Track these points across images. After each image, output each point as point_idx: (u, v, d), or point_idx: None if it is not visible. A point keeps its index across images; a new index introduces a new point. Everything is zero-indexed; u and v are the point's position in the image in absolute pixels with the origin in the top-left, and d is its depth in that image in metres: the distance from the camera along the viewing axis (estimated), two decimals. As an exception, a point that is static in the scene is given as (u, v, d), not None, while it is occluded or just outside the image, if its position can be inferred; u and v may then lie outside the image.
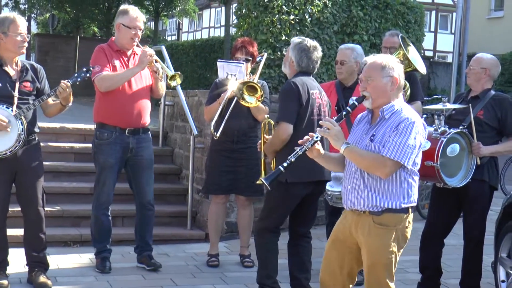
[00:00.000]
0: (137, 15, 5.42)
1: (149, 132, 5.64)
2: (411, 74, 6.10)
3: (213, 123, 5.55)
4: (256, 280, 4.86)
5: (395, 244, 3.62)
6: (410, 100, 6.12)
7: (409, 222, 3.66)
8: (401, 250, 3.69)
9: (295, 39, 4.84)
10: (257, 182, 4.28)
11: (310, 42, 4.77)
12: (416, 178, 3.69)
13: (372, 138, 3.62)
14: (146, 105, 5.49)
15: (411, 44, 5.91)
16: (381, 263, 3.62)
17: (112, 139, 5.40)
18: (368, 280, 3.71)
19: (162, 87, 5.54)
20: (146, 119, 5.51)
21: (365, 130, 3.72)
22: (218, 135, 5.52)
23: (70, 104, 5.01)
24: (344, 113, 3.76)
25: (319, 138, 3.67)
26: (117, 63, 5.37)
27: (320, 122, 3.72)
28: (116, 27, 5.51)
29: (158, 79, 5.42)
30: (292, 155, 3.70)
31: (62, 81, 4.86)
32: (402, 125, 3.54)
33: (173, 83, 5.49)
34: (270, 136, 4.77)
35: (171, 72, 5.62)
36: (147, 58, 5.27)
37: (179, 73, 5.49)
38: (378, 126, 3.64)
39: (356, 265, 3.80)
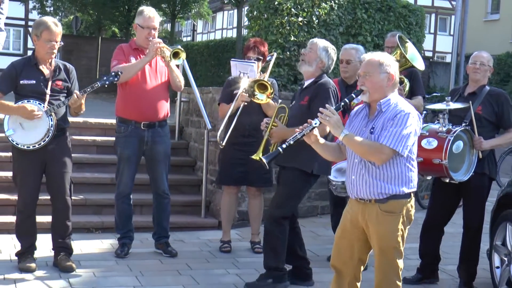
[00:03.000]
0: (150, 15, 5.33)
1: (167, 126, 5.58)
2: (412, 71, 6.07)
3: (219, 132, 5.54)
4: (270, 266, 4.73)
5: (403, 228, 3.64)
6: (411, 95, 6.10)
7: (412, 206, 3.69)
8: (407, 229, 3.70)
9: (323, 42, 4.78)
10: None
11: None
12: (415, 164, 3.70)
13: (372, 130, 3.65)
14: (162, 100, 5.42)
15: (408, 41, 5.88)
16: (391, 246, 3.62)
17: (128, 132, 5.40)
18: (379, 261, 3.69)
19: (178, 78, 5.41)
20: (162, 113, 5.43)
21: (364, 123, 3.73)
22: (223, 143, 5.51)
23: (82, 112, 4.96)
24: (342, 103, 3.82)
25: (317, 125, 3.67)
26: (133, 59, 5.33)
27: (320, 109, 3.69)
28: (134, 27, 5.50)
29: (173, 71, 5.33)
30: (291, 138, 3.73)
31: (75, 91, 4.83)
32: (398, 116, 3.57)
33: (177, 62, 5.27)
34: (278, 122, 4.68)
35: (171, 49, 5.29)
36: (154, 46, 5.21)
37: (180, 47, 5.27)
38: (376, 119, 3.67)
39: (365, 250, 3.80)
